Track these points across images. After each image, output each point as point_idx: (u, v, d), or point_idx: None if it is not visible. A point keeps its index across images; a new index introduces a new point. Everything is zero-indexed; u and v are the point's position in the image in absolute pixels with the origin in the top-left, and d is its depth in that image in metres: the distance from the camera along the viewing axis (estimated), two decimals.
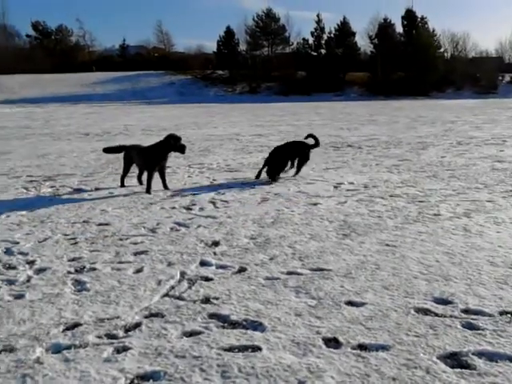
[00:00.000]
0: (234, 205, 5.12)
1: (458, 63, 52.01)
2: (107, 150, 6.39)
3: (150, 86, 50.56)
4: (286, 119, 18.79)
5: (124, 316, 2.62)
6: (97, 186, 6.21)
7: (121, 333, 2.45)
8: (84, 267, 3.37)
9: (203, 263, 3.41)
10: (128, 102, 37.75)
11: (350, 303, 2.73)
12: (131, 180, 6.61)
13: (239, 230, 4.21)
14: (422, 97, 43.61)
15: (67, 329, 2.50)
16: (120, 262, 3.45)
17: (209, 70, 55.93)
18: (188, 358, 2.21)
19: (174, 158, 8.64)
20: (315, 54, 56.27)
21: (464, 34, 57.41)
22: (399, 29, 56.46)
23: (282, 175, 6.47)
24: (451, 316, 2.55)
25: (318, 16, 56.97)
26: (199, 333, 2.43)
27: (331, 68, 51.54)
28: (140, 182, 6.11)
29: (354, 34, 57.18)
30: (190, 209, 4.97)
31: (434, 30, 55.92)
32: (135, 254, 3.63)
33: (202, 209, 4.97)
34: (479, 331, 2.38)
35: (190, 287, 3.01)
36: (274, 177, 6.29)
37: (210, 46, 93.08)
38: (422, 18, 56.31)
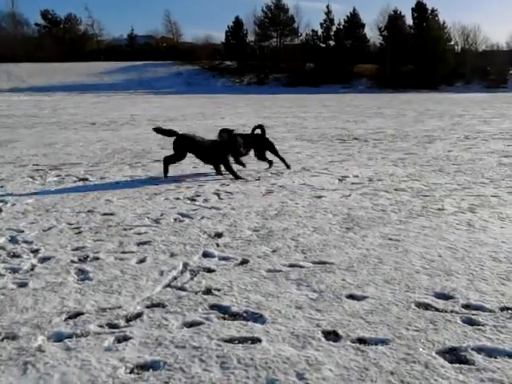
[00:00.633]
0: (238, 196, 5.12)
1: (468, 56, 51.59)
2: (158, 130, 6.29)
3: (158, 76, 50.53)
4: (294, 111, 18.74)
5: (126, 306, 2.64)
6: (102, 176, 6.23)
7: (122, 322, 2.47)
8: (87, 256, 3.39)
9: (206, 254, 3.42)
10: (135, 92, 37.77)
11: (351, 297, 2.73)
12: (136, 170, 6.63)
13: (242, 221, 4.21)
14: (430, 90, 43.33)
15: (69, 317, 2.52)
16: (123, 252, 3.47)
17: (217, 61, 55.78)
18: (188, 348, 2.22)
19: None
20: (324, 45, 55.98)
21: (475, 27, 56.99)
22: (409, 21, 56.08)
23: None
24: (452, 311, 2.54)
25: (327, 7, 56.72)
26: (200, 323, 2.45)
27: (340, 60, 51.26)
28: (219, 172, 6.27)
29: (363, 25, 56.84)
30: (194, 200, 4.99)
31: (444, 23, 55.49)
32: (138, 244, 3.65)
33: (206, 200, 4.98)
34: (479, 327, 2.38)
35: (192, 278, 3.02)
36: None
37: (219, 37, 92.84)
38: (433, 11, 55.83)
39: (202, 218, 4.34)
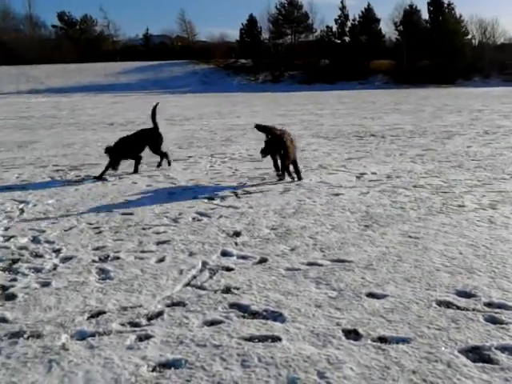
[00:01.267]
0: (256, 195, 5.13)
1: (486, 50, 50.82)
2: (259, 127, 6.08)
3: (173, 76, 50.77)
4: (309, 108, 18.68)
5: (146, 304, 2.67)
6: (120, 176, 6.29)
7: (143, 321, 2.50)
8: (108, 256, 3.43)
9: (224, 253, 3.44)
10: (150, 92, 38.02)
11: (371, 295, 2.72)
12: (154, 170, 6.67)
13: (260, 220, 4.22)
14: (448, 85, 42.79)
15: (92, 316, 2.55)
16: (143, 251, 3.51)
17: (231, 59, 55.84)
18: (209, 346, 2.24)
19: (196, 148, 8.71)
20: (339, 41, 55.66)
21: (493, 20, 56.20)
22: (425, 15, 55.40)
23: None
24: (474, 309, 2.52)
25: (342, 3, 56.32)
26: (220, 322, 2.46)
27: (355, 56, 50.91)
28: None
29: (378, 20, 56.36)
30: (212, 199, 5.01)
31: (461, 16, 54.75)
32: (158, 243, 3.68)
33: (223, 199, 5.00)
34: (502, 325, 2.35)
35: (211, 277, 3.04)
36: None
37: (233, 35, 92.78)
38: (449, 4, 55.11)
39: (220, 216, 4.35)
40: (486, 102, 20.86)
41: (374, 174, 6.11)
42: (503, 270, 2.99)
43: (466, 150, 7.85)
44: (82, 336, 2.36)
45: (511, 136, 9.36)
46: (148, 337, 2.34)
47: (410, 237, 3.66)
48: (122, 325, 2.46)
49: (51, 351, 2.23)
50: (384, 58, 52.04)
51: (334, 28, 56.58)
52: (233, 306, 2.64)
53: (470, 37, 55.25)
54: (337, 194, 5.06)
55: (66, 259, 3.38)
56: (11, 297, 2.81)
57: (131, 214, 4.51)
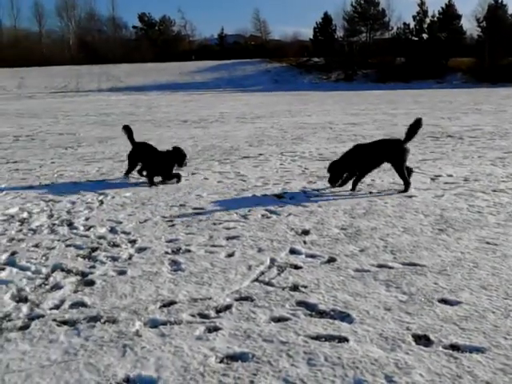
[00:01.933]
0: (325, 194, 5.09)
1: None
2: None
3: (246, 74, 51.36)
4: (382, 107, 18.24)
5: (216, 297, 2.74)
6: (193, 172, 6.47)
7: (212, 313, 2.56)
8: (180, 248, 3.55)
9: (293, 251, 3.45)
10: (224, 90, 38.69)
11: (444, 301, 2.62)
12: (225, 167, 6.79)
13: (330, 219, 4.19)
14: None
15: (163, 306, 2.66)
16: (213, 246, 3.59)
17: (304, 58, 55.60)
18: (275, 342, 2.26)
19: (266, 146, 8.77)
20: (416, 38, 53.81)
21: None
22: (511, 10, 52.27)
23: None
24: None
25: None
26: (287, 319, 2.48)
27: (433, 53, 49.02)
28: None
29: (459, 16, 53.92)
30: (281, 197, 5.03)
31: None
32: (227, 238, 3.76)
33: (292, 197, 5.00)
34: None
35: (279, 274, 3.06)
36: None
37: (307, 33, 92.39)
38: None
39: (289, 214, 4.37)
40: None
41: (450, 176, 5.87)
42: None
43: None
44: (154, 324, 2.46)
45: None
46: (216, 329, 2.40)
47: (488, 243, 3.49)
48: (192, 315, 2.54)
49: (125, 336, 2.34)
50: (464, 55, 49.69)
51: (412, 25, 54.81)
52: (300, 303, 2.65)
53: None
54: (410, 196, 4.92)
55: (140, 250, 3.54)
56: (90, 283, 2.98)
57: (202, 209, 4.63)
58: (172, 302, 2.69)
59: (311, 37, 58.83)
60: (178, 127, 12.54)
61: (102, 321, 2.50)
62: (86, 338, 2.33)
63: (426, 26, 54.45)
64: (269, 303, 2.65)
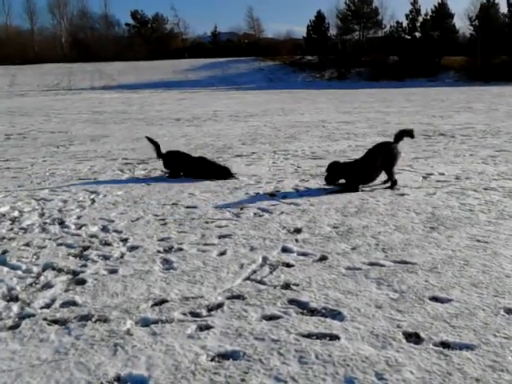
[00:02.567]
0: (318, 192, 5.10)
1: None
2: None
3: (239, 72, 51.28)
4: (375, 106, 18.28)
5: (207, 296, 2.74)
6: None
7: (204, 312, 2.56)
8: (172, 247, 3.54)
9: (285, 249, 3.46)
10: (217, 89, 38.63)
11: (435, 299, 2.64)
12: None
13: (322, 218, 4.20)
14: None
15: (155, 304, 2.65)
16: (205, 244, 3.59)
17: (297, 56, 55.58)
18: (267, 340, 2.26)
19: (259, 144, 8.77)
20: (409, 37, 53.93)
21: None
22: (504, 9, 52.50)
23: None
24: None
25: None
26: (278, 317, 2.48)
27: (426, 52, 49.14)
28: None
29: (452, 15, 54.09)
30: (274, 195, 5.04)
31: None
32: (220, 237, 3.75)
33: (285, 195, 5.01)
34: None
35: (271, 272, 3.07)
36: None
37: (300, 31, 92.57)
38: None
39: (281, 213, 4.37)
40: None
41: (442, 174, 5.90)
42: None
43: None
44: (145, 323, 2.46)
45: None
46: (208, 327, 2.40)
47: (479, 241, 3.51)
48: (184, 314, 2.54)
49: (117, 335, 2.34)
50: (457, 54, 49.86)
51: (405, 23, 54.90)
52: (292, 302, 2.65)
53: None
54: (401, 194, 4.94)
55: (132, 248, 3.53)
56: (81, 282, 2.98)
57: (195, 207, 4.62)
58: (164, 301, 2.69)
59: (304, 35, 58.83)
60: (170, 125, 12.51)
61: (93, 320, 2.50)
62: (76, 337, 2.33)
63: (418, 24, 54.57)
64: (260, 301, 2.66)
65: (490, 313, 2.46)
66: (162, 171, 6.38)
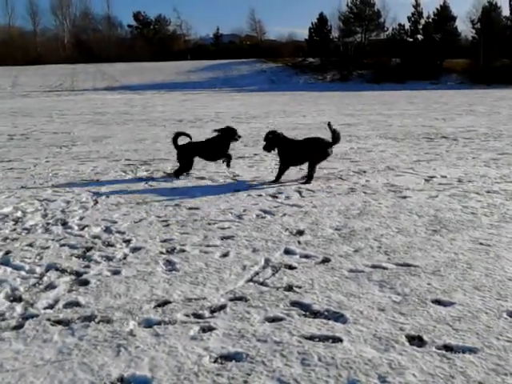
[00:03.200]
0: (320, 194, 5.11)
1: None
2: None
3: (242, 74, 51.35)
4: (377, 108, 18.28)
5: (210, 297, 2.74)
6: (188, 172, 6.45)
7: (207, 313, 2.57)
8: (175, 248, 3.55)
9: (287, 251, 3.46)
10: (220, 90, 38.68)
11: (437, 302, 2.64)
12: (220, 167, 6.79)
13: (324, 220, 4.20)
14: None
15: (158, 305, 2.66)
16: (208, 246, 3.59)
17: (299, 58, 55.65)
18: (269, 342, 2.27)
19: (261, 146, 8.76)
20: (411, 39, 53.96)
21: None
22: (506, 12, 52.53)
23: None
24: None
25: (415, 0, 54.46)
26: (281, 319, 2.49)
27: (428, 54, 49.17)
28: None
29: (454, 18, 54.13)
30: (276, 197, 5.04)
31: None
32: (222, 238, 3.76)
33: (287, 197, 5.01)
34: None
35: (273, 274, 3.07)
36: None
37: (302, 34, 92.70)
38: None
39: (284, 215, 4.38)
40: None
41: (444, 177, 5.90)
42: None
43: None
44: (148, 324, 2.46)
45: None
46: (211, 329, 2.40)
47: (481, 244, 3.51)
48: (187, 315, 2.54)
49: (120, 336, 2.34)
50: (459, 57, 49.87)
51: (407, 26, 54.95)
52: (294, 304, 2.66)
53: None
54: (404, 197, 4.94)
55: (135, 249, 3.54)
56: (84, 283, 2.98)
57: (197, 208, 4.63)
58: (166, 302, 2.69)
59: (306, 37, 58.89)
60: (173, 127, 12.52)
61: (97, 320, 2.50)
62: (80, 338, 2.33)
63: (420, 27, 54.62)
64: (263, 303, 2.66)
65: (493, 316, 2.46)
66: (165, 172, 6.39)
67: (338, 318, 2.49)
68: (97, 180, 6.00)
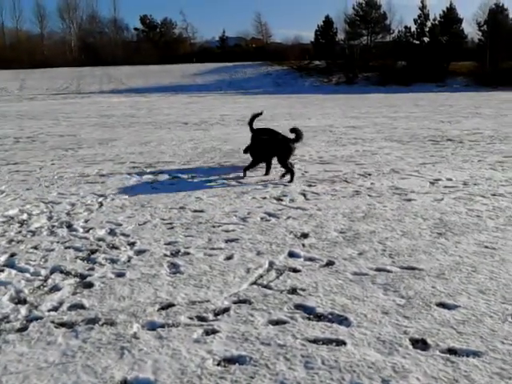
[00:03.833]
0: (325, 197, 5.10)
1: None
2: None
3: (247, 77, 51.40)
4: (383, 111, 18.25)
5: (214, 300, 2.74)
6: (193, 174, 6.47)
7: (210, 316, 2.57)
8: (179, 251, 3.55)
9: (291, 254, 3.46)
10: (225, 93, 38.73)
11: (442, 305, 2.63)
12: (225, 169, 6.81)
13: (329, 223, 4.20)
14: None
15: (162, 308, 2.66)
16: (212, 248, 3.60)
17: (305, 61, 55.62)
18: (273, 345, 2.26)
19: None
20: (417, 42, 53.83)
21: None
22: None
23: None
24: None
25: (422, 2, 54.32)
26: (285, 322, 2.49)
27: (434, 57, 49.00)
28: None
29: (460, 20, 53.95)
30: (281, 200, 5.04)
31: None
32: (226, 241, 3.76)
33: (292, 200, 5.01)
34: None
35: (277, 277, 3.07)
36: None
37: (308, 37, 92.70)
38: None
39: (288, 217, 4.37)
40: None
41: (450, 180, 5.88)
42: None
43: None
44: (152, 326, 2.47)
45: None
46: (214, 331, 2.40)
47: (487, 247, 3.50)
48: (190, 318, 2.55)
49: (123, 339, 2.35)
50: (465, 59, 49.68)
51: (413, 28, 54.78)
52: (298, 307, 2.65)
53: None
54: (409, 200, 4.93)
55: (139, 252, 3.54)
56: (89, 285, 2.99)
57: (202, 211, 4.64)
58: (170, 305, 2.70)
59: (312, 40, 58.89)
60: (178, 129, 12.56)
61: (100, 323, 2.51)
62: (84, 340, 2.34)
63: (427, 29, 54.45)
64: (267, 306, 2.66)
65: (498, 320, 2.45)
66: (170, 175, 6.40)
67: (342, 321, 2.49)
68: (102, 182, 6.02)
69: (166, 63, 54.97)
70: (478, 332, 2.33)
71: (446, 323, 2.43)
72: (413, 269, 3.14)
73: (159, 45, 60.35)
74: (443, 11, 54.43)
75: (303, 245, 3.64)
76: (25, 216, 4.53)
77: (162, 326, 2.47)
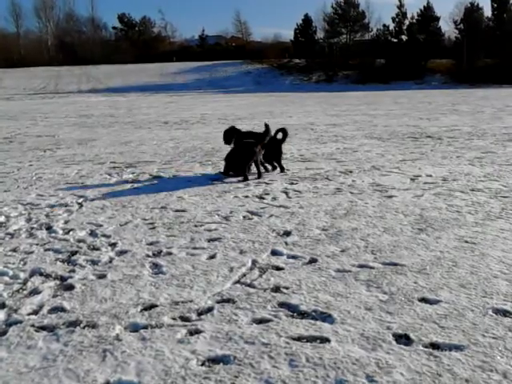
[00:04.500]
0: (307, 195, 5.11)
1: None
2: None
3: (227, 76, 51.32)
4: (363, 108, 18.39)
5: (197, 300, 2.72)
6: (174, 174, 6.44)
7: (194, 316, 2.55)
8: (161, 251, 3.52)
9: (274, 252, 3.45)
10: (205, 92, 38.61)
11: (424, 300, 2.65)
12: (206, 168, 6.78)
13: (311, 220, 4.20)
14: (510, 85, 40.91)
15: (144, 309, 2.63)
16: (194, 248, 3.57)
17: (285, 59, 55.76)
18: (257, 344, 2.26)
19: None
20: (395, 40, 54.42)
21: None
22: (488, 13, 53.26)
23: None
24: None
25: (399, 1, 54.90)
26: (268, 320, 2.48)
27: (412, 55, 49.59)
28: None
29: (437, 18, 54.73)
30: (263, 198, 5.03)
31: None
32: (209, 240, 3.74)
33: (274, 198, 5.01)
34: None
35: (260, 275, 3.06)
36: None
37: (287, 35, 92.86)
38: None
39: (271, 216, 4.37)
40: None
41: (430, 176, 5.95)
42: None
43: None
44: (134, 328, 2.44)
45: None
46: (198, 331, 2.38)
47: (467, 242, 3.54)
48: (174, 319, 2.52)
49: (105, 341, 2.32)
50: (442, 57, 50.42)
51: (391, 27, 55.40)
52: (282, 305, 2.65)
53: None
54: (390, 196, 4.97)
55: (121, 253, 3.50)
56: (69, 287, 2.94)
57: (184, 210, 4.61)
58: (153, 306, 2.67)
59: (292, 38, 59.08)
60: (158, 129, 12.47)
61: (82, 325, 2.47)
62: (65, 344, 2.30)
63: (405, 27, 55.10)
64: (250, 305, 2.65)
65: (479, 313, 2.48)
66: (151, 175, 6.35)
67: (326, 318, 2.49)
68: (82, 183, 5.94)
69: (145, 62, 54.59)
70: (459, 326, 2.36)
71: (428, 318, 2.45)
72: (395, 265, 3.16)
73: (138, 44, 59.90)
74: (420, 10, 55.18)
75: (286, 243, 3.64)
76: (2, 218, 4.44)
77: (145, 327, 2.44)
